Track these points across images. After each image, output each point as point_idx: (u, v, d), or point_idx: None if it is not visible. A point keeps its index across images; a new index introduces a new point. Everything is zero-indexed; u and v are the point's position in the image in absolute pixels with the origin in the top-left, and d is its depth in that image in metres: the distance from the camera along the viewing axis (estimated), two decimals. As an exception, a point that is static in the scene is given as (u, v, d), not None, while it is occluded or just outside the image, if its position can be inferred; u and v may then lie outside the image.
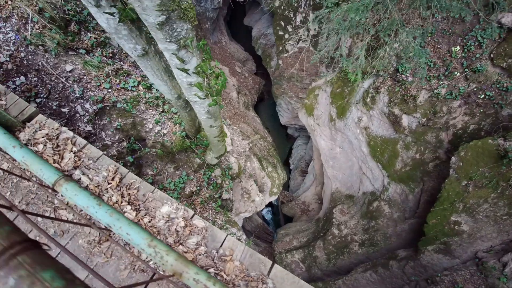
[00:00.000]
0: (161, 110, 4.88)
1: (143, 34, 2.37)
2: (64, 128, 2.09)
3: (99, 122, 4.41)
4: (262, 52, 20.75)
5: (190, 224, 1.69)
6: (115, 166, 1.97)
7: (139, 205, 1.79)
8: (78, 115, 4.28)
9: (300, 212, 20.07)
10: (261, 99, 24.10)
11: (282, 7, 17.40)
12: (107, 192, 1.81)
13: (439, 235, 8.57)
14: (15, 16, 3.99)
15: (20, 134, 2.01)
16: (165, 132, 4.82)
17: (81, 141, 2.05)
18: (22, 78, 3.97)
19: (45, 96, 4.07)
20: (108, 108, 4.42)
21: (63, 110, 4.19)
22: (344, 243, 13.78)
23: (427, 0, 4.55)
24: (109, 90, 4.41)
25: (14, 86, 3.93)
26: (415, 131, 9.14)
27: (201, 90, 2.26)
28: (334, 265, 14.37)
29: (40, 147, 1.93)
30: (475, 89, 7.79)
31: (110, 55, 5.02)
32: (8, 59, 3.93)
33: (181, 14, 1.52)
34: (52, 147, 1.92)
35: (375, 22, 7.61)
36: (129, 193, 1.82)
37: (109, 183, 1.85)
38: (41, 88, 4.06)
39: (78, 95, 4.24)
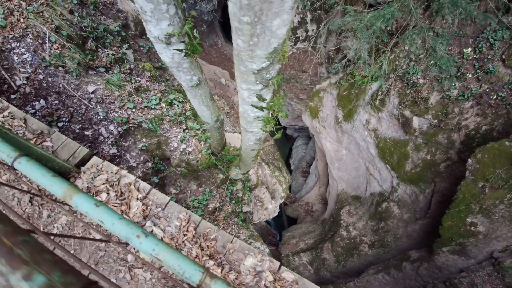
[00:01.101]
0: (184, 127, 4.68)
1: (198, 65, 2.20)
2: (124, 172, 1.90)
3: (124, 143, 4.19)
4: None
5: (279, 278, 1.54)
6: (186, 213, 1.78)
7: (220, 258, 1.62)
8: (102, 137, 4.05)
9: (304, 213, 20.01)
10: (259, 100, 23.86)
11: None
12: (185, 245, 1.63)
13: (454, 236, 8.58)
14: (30, 35, 3.73)
15: (77, 181, 1.80)
16: (190, 150, 4.62)
17: (144, 185, 1.86)
18: (42, 101, 3.72)
19: (67, 119, 3.84)
20: (132, 128, 4.21)
21: (86, 133, 3.96)
22: (353, 244, 13.74)
23: (453, 8, 4.48)
24: (133, 110, 4.20)
25: (33, 110, 3.69)
26: (426, 132, 9.13)
27: (268, 123, 2.10)
28: (343, 267, 14.33)
29: (104, 196, 1.73)
30: (487, 90, 7.80)
31: (128, 71, 4.80)
32: (25, 82, 3.68)
33: (281, 57, 1.37)
34: (116, 196, 1.73)
35: (398, 29, 7.53)
36: (207, 245, 1.65)
37: (184, 234, 1.67)
38: (62, 112, 3.82)
39: (101, 117, 4.01)
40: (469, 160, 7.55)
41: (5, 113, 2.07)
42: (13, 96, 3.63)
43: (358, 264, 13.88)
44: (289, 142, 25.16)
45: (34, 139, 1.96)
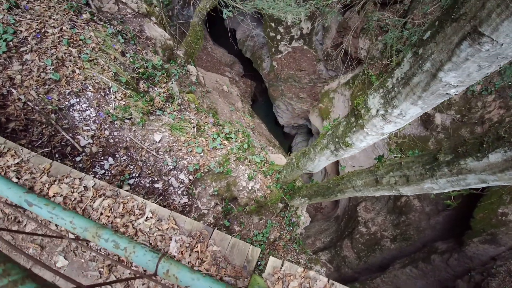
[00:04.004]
0: (248, 162, 4.39)
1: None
2: (312, 273, 1.62)
3: (194, 191, 3.87)
4: (251, 54, 20.38)
5: None
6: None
7: None
8: (172, 188, 3.71)
9: (313, 211, 20.07)
10: (253, 100, 23.74)
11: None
12: None
13: (486, 227, 8.78)
14: (90, 88, 3.32)
15: (270, 295, 1.52)
16: (257, 187, 4.35)
17: (342, 288, 1.60)
18: (111, 160, 3.34)
19: (137, 175, 3.47)
20: (202, 174, 3.88)
21: (156, 186, 3.61)
22: (374, 240, 13.87)
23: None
24: (201, 154, 3.86)
25: (103, 171, 3.30)
26: (449, 127, 9.22)
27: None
28: (365, 263, 14.48)
29: (310, 313, 1.45)
30: (509, 83, 7.91)
31: (178, 107, 4.44)
32: (91, 140, 3.28)
33: None
34: (324, 310, 1.45)
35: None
36: None
37: None
38: (132, 167, 3.45)
39: (171, 167, 3.66)
40: (502, 154, 7.67)
41: (147, 213, 1.74)
42: (78, 159, 3.22)
43: (380, 259, 14.05)
44: (287, 140, 25.08)
45: (197, 245, 1.65)
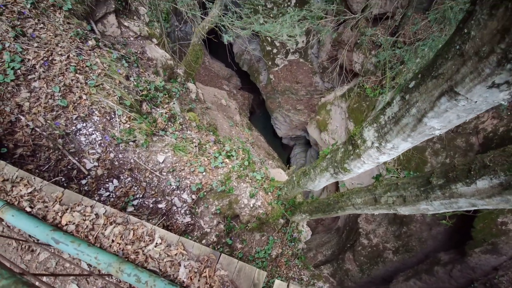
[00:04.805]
0: (249, 179, 4.47)
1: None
2: None
3: (197, 210, 3.93)
4: (248, 67, 20.79)
5: None
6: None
7: None
8: (175, 207, 3.78)
9: (314, 223, 19.98)
10: (251, 113, 24.00)
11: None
12: None
13: (487, 237, 8.80)
14: (96, 112, 3.43)
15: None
16: (259, 204, 4.41)
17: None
18: (115, 181, 3.41)
19: (141, 195, 3.54)
20: (205, 193, 3.96)
21: (159, 206, 3.68)
22: (377, 252, 13.78)
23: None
24: (204, 173, 3.95)
25: (107, 193, 3.37)
26: (444, 138, 9.38)
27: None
28: (368, 276, 14.33)
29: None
30: (501, 94, 8.14)
31: (180, 127, 4.55)
32: (96, 163, 3.36)
33: None
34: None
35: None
36: None
37: None
38: (136, 188, 3.53)
39: (174, 187, 3.74)
40: (498, 164, 7.79)
41: (157, 239, 1.82)
42: (83, 182, 3.30)
43: (383, 271, 13.92)
44: (286, 151, 25.21)
45: (205, 270, 1.72)
